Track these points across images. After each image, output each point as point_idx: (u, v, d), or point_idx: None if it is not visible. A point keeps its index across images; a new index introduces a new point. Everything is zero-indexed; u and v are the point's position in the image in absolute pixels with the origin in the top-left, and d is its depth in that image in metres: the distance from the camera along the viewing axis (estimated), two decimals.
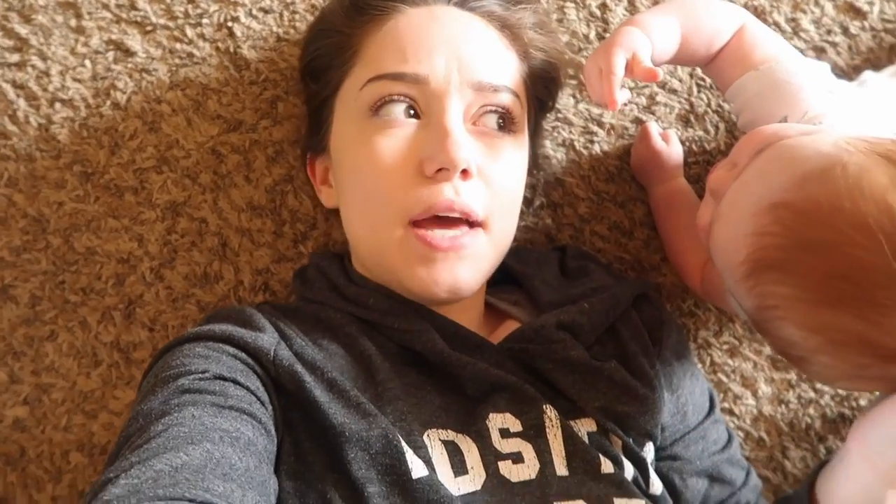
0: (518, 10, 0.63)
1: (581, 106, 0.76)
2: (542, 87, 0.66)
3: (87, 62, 0.78)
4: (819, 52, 0.76)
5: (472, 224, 0.57)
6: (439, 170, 0.55)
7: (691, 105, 0.76)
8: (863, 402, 0.70)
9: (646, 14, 0.60)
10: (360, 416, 0.50)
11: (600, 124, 0.76)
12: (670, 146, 0.72)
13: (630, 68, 0.55)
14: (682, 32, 0.60)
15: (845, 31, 0.76)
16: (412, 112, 0.58)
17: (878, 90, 0.64)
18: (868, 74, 0.68)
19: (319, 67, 0.66)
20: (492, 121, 0.59)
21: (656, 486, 0.56)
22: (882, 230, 0.43)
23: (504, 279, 0.69)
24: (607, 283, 0.65)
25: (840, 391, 0.70)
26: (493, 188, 0.58)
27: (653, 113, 0.75)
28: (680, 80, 0.76)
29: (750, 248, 0.48)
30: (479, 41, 0.60)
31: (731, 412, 0.71)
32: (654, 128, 0.73)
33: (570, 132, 0.76)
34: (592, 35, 0.77)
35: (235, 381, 0.50)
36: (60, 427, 0.73)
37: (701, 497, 0.61)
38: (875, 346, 0.45)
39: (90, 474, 0.73)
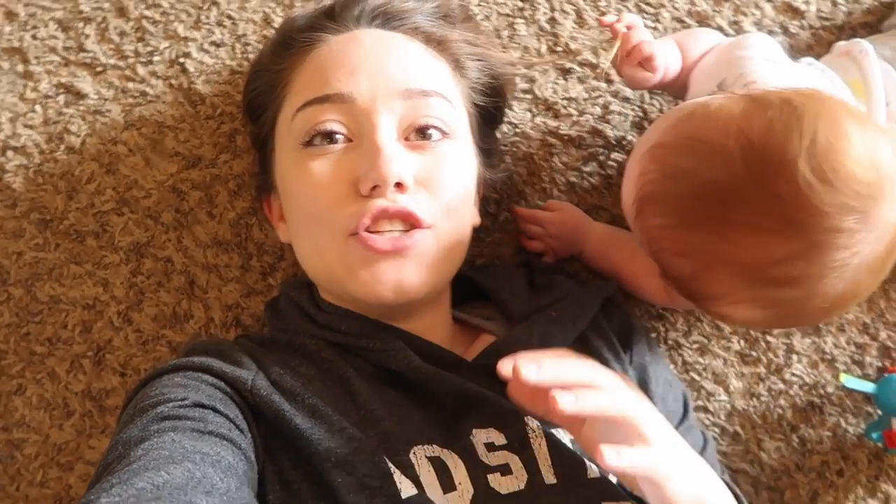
0: (445, 23, 0.64)
1: (538, 119, 0.77)
2: (481, 95, 0.66)
3: (38, 107, 0.77)
4: None
5: (413, 226, 0.57)
6: (374, 187, 0.55)
7: (644, 112, 0.77)
8: (830, 390, 0.72)
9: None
10: (345, 441, 0.50)
11: (558, 136, 0.77)
12: (561, 209, 0.73)
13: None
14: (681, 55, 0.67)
15: (785, 30, 0.79)
16: (344, 135, 0.58)
17: (819, 69, 0.67)
18: (809, 60, 0.70)
19: (257, 107, 0.67)
20: (426, 131, 0.58)
21: None
22: (730, 155, 0.48)
23: (475, 295, 0.70)
24: (574, 291, 0.66)
25: (806, 380, 0.73)
26: (435, 194, 0.58)
27: (608, 122, 0.77)
28: (632, 89, 0.78)
29: (636, 188, 0.55)
30: (402, 53, 0.61)
31: (705, 409, 0.72)
32: (533, 212, 0.74)
33: (529, 146, 0.77)
34: (544, 49, 0.78)
35: (214, 409, 0.50)
36: (36, 483, 0.72)
37: None
38: (738, 265, 0.49)
39: None
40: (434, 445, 0.52)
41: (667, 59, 0.65)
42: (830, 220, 0.46)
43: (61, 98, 0.77)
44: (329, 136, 0.58)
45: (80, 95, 0.77)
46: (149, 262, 0.74)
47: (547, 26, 0.79)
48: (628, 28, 0.65)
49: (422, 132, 0.59)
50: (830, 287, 0.49)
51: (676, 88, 0.69)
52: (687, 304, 0.59)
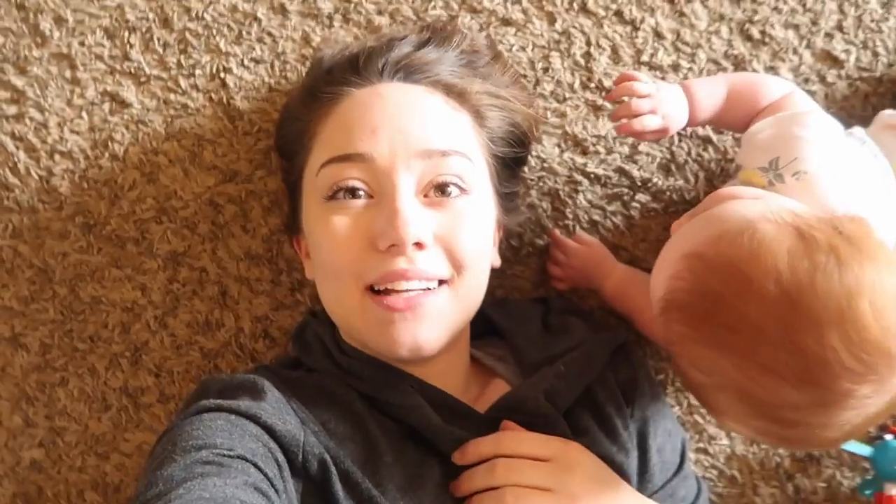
0: (468, 71, 0.65)
1: (566, 155, 0.78)
2: (503, 143, 0.67)
3: (84, 114, 0.79)
4: None
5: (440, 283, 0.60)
6: (392, 246, 0.58)
7: (672, 154, 0.78)
8: None
9: (699, 82, 0.69)
10: None
11: (584, 174, 0.78)
12: (588, 244, 0.76)
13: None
14: (727, 91, 0.68)
15: (822, 79, 0.78)
16: (365, 191, 0.60)
17: (871, 151, 0.67)
18: (857, 131, 0.70)
19: (286, 153, 0.70)
20: (445, 188, 0.60)
21: None
22: (767, 299, 0.49)
23: (489, 330, 0.73)
24: (586, 340, 0.68)
25: None
26: (454, 250, 0.60)
27: (635, 162, 0.78)
28: None
29: (666, 287, 0.55)
30: (421, 110, 0.62)
31: (706, 451, 0.75)
32: (562, 240, 0.76)
33: (555, 182, 0.78)
34: (577, 84, 0.79)
35: (256, 465, 0.51)
36: (75, 468, 0.78)
37: None
38: (751, 398, 0.51)
39: None
40: None
41: (674, 119, 0.66)
42: (847, 385, 0.48)
43: (106, 106, 0.80)
44: (351, 192, 0.60)
45: (124, 104, 0.80)
46: (185, 271, 0.78)
47: (581, 61, 0.79)
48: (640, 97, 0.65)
49: (440, 189, 0.61)
50: (831, 434, 0.51)
51: (731, 128, 0.70)
52: None
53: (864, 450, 0.69)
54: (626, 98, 0.66)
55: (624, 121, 0.67)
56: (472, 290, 0.63)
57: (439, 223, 0.60)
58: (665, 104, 0.66)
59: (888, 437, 0.71)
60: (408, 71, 0.64)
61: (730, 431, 0.76)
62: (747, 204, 0.56)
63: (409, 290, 0.59)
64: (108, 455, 0.78)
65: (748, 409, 0.52)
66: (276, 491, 0.52)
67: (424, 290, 0.59)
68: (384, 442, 0.58)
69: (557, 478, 0.55)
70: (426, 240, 0.59)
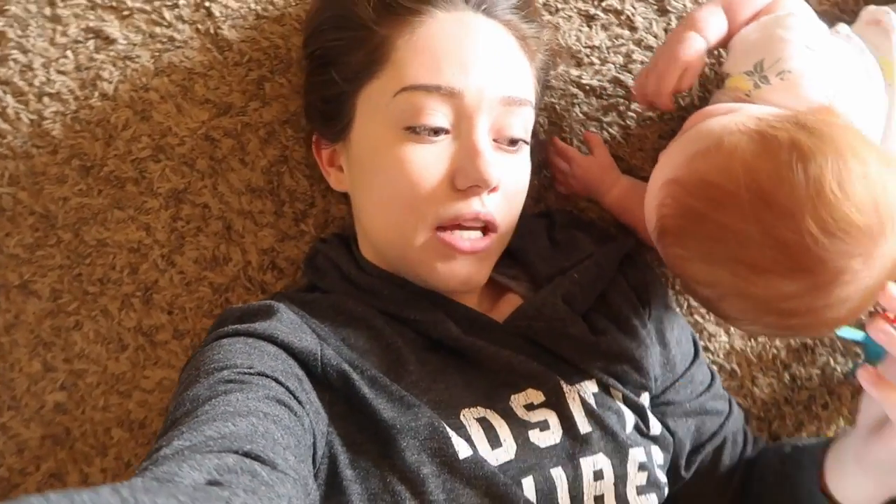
0: (526, 18, 0.66)
1: (560, 69, 0.78)
2: (543, 84, 0.70)
3: (69, 53, 0.78)
4: None
5: (486, 229, 0.63)
6: (472, 186, 0.60)
7: None
8: None
9: (700, 12, 0.68)
10: (406, 408, 0.55)
11: (580, 86, 0.78)
12: (593, 153, 0.76)
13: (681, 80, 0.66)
14: (724, 10, 0.69)
15: None
16: (444, 125, 0.60)
17: (857, 47, 0.68)
18: (843, 28, 0.71)
19: (338, 58, 0.65)
20: (510, 137, 0.62)
21: (655, 427, 0.64)
22: (741, 203, 0.51)
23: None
24: (594, 251, 0.70)
25: None
26: (507, 195, 0.63)
27: (629, 71, 0.78)
28: (655, 37, 0.78)
29: (656, 215, 0.58)
30: (506, 54, 0.63)
31: (706, 349, 0.79)
32: (565, 149, 0.77)
33: (551, 96, 0.78)
34: None
35: (276, 380, 0.53)
36: (99, 407, 0.79)
37: (693, 433, 0.69)
38: (753, 299, 0.54)
39: (133, 446, 0.80)
40: (479, 407, 0.58)
41: (703, 46, 0.67)
42: (834, 264, 0.50)
43: (91, 43, 0.78)
44: (434, 129, 0.60)
45: (109, 41, 0.78)
46: (187, 208, 0.78)
47: None
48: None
49: (509, 139, 0.62)
50: (835, 313, 0.53)
51: (723, 46, 0.71)
52: None
53: (856, 335, 0.72)
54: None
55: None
56: (510, 231, 0.66)
57: (503, 169, 0.62)
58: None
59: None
60: (490, 3, 0.63)
61: (733, 330, 0.79)
62: (718, 120, 0.58)
63: (472, 230, 0.61)
64: (130, 393, 0.80)
65: (754, 309, 0.54)
66: (299, 402, 0.53)
67: (483, 233, 0.62)
68: (406, 352, 0.60)
69: None
70: (498, 184, 0.61)
